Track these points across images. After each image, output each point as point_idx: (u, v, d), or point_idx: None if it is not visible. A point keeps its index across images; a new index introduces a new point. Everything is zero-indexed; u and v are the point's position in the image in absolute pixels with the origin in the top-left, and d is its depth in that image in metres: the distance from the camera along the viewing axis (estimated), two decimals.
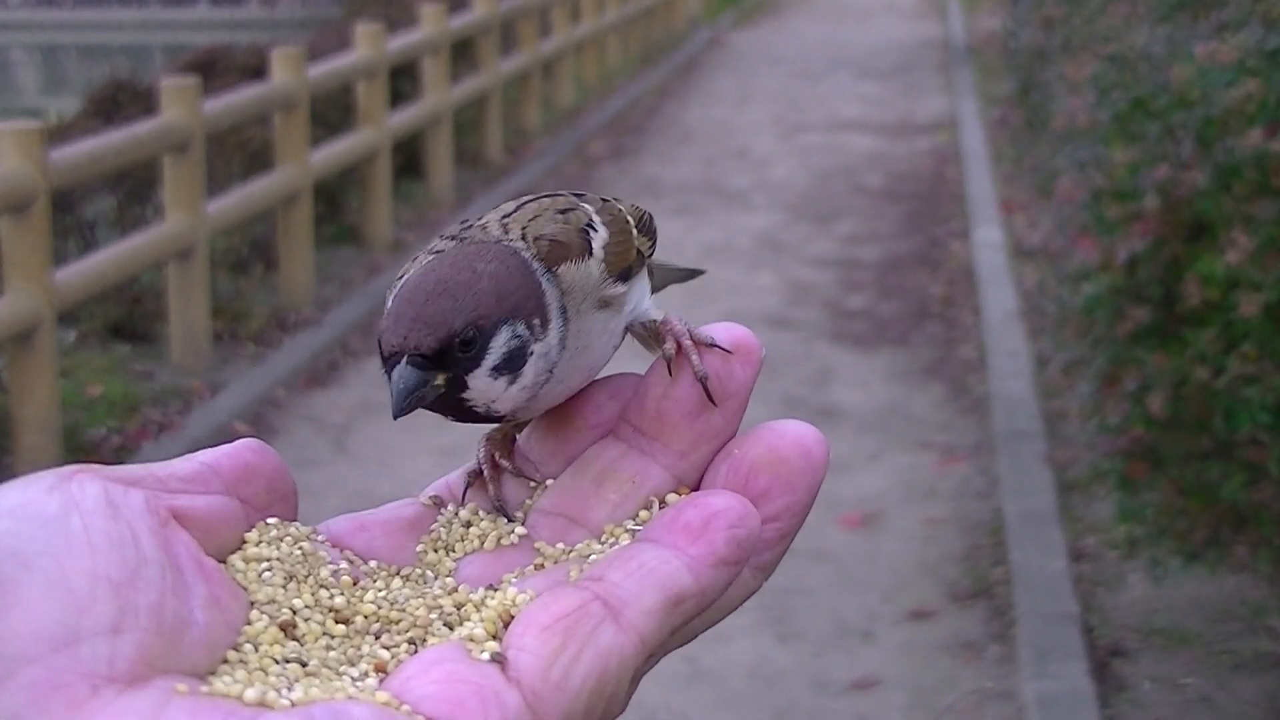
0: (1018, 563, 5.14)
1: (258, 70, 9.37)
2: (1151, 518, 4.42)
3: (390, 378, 0.70)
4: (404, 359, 0.70)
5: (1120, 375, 4.30)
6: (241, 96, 7.94)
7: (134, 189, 8.18)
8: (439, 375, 0.70)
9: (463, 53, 11.51)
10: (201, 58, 10.31)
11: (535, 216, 0.76)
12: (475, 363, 0.71)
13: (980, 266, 8.70)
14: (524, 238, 0.74)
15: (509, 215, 0.76)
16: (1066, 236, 4.92)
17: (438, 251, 0.74)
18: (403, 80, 10.37)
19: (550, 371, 0.72)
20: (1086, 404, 4.69)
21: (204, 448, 0.68)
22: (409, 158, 10.46)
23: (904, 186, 11.16)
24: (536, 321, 0.72)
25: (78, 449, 6.06)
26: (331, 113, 9.45)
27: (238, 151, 8.67)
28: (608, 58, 16.02)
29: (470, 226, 0.76)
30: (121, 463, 0.69)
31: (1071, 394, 5.60)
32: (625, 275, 0.77)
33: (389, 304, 0.72)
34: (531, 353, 0.72)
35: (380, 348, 0.71)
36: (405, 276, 0.73)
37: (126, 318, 7.50)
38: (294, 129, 8.22)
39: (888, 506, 5.79)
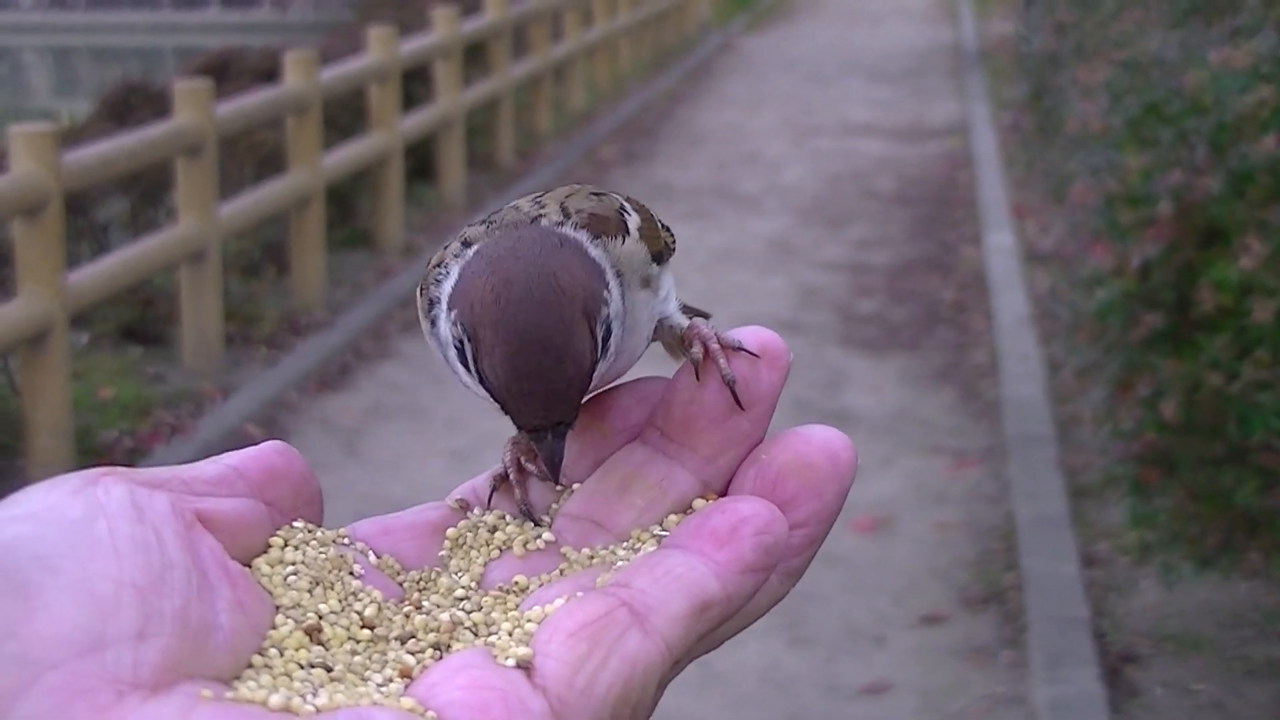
0: (1029, 568, 5.13)
1: (270, 73, 9.38)
2: (1164, 523, 4.41)
3: (539, 449, 0.71)
4: (550, 434, 0.70)
5: (1133, 380, 4.30)
6: (254, 100, 7.95)
7: (146, 192, 8.19)
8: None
9: (475, 56, 11.51)
10: (214, 61, 10.33)
11: (571, 194, 0.76)
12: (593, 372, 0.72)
13: (992, 271, 8.69)
14: (564, 212, 0.74)
15: (542, 193, 0.77)
16: (1079, 241, 4.92)
17: (490, 240, 0.73)
18: (415, 84, 10.37)
19: (622, 328, 0.73)
20: (1099, 409, 4.69)
21: (216, 451, 0.67)
22: (421, 161, 10.46)
23: (915, 191, 11.15)
24: (606, 293, 0.72)
25: (90, 451, 6.06)
26: (343, 116, 9.46)
27: (250, 155, 8.67)
28: (619, 62, 16.02)
29: (500, 210, 0.76)
30: (133, 465, 0.69)
31: (1084, 399, 5.59)
32: (657, 259, 0.77)
33: (466, 305, 0.70)
34: (613, 320, 0.72)
35: (510, 415, 0.71)
36: (467, 271, 0.72)
37: (139, 320, 7.51)
38: (306, 132, 8.23)
39: (899, 511, 5.78)
